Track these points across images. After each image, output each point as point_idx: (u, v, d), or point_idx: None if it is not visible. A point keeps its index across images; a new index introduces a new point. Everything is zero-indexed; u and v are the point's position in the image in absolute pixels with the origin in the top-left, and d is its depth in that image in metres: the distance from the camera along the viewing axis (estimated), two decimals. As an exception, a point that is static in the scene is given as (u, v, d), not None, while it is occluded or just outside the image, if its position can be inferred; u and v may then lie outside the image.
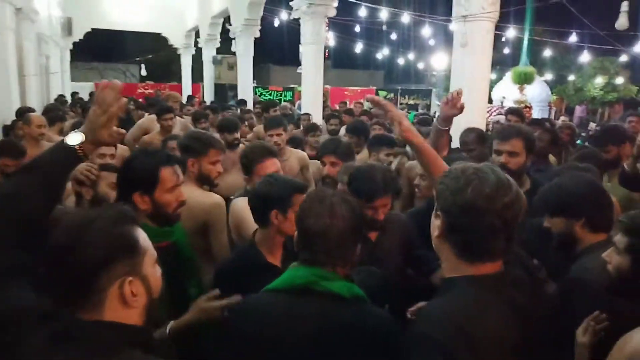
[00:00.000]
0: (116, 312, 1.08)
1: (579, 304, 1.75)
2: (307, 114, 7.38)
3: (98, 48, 22.74)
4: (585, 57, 16.71)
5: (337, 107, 11.10)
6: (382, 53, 20.27)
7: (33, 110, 5.96)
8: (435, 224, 1.37)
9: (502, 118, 6.29)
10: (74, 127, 4.08)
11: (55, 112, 6.56)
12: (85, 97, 11.74)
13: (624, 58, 17.89)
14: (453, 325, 1.24)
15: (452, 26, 5.61)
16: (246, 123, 6.86)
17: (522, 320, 1.32)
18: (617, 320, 1.60)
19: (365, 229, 2.29)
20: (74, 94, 11.49)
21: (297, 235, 1.58)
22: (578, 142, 6.97)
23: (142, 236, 1.16)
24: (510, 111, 5.57)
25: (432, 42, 18.18)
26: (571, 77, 19.94)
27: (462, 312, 1.27)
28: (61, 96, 11.76)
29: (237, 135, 4.40)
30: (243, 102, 10.42)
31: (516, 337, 1.30)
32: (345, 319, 1.48)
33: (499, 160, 2.78)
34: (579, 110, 16.98)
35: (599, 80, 18.63)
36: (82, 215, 1.14)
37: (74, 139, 1.48)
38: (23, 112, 5.81)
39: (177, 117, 5.85)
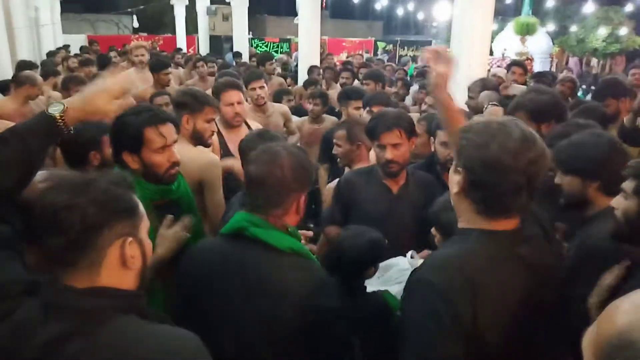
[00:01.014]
0: (113, 273, 1.09)
1: (592, 272, 1.67)
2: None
3: (89, -2, 22.13)
4: (589, 7, 16.30)
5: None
6: (381, 3, 19.75)
7: (36, 66, 5.87)
8: (455, 179, 1.34)
9: (499, 71, 6.11)
10: (65, 82, 4.02)
11: (49, 66, 6.47)
12: (75, 50, 11.41)
13: (629, 8, 17.46)
14: (459, 274, 1.23)
15: (454, -26, 5.43)
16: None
17: (533, 279, 1.31)
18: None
19: (384, 175, 2.39)
20: (65, 47, 11.18)
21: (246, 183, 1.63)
22: (579, 94, 6.88)
23: (139, 202, 1.17)
24: (514, 63, 5.45)
25: (432, -9, 17.69)
26: (573, 28, 19.51)
27: (471, 262, 1.26)
28: (66, 46, 11.45)
29: None
30: (238, 55, 10.21)
31: (525, 294, 1.30)
32: (264, 268, 1.50)
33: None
34: (572, 63, 16.72)
35: (602, 31, 18.22)
36: (81, 176, 1.12)
37: (55, 109, 1.45)
38: (23, 67, 5.75)
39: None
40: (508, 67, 5.38)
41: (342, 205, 2.50)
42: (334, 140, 2.89)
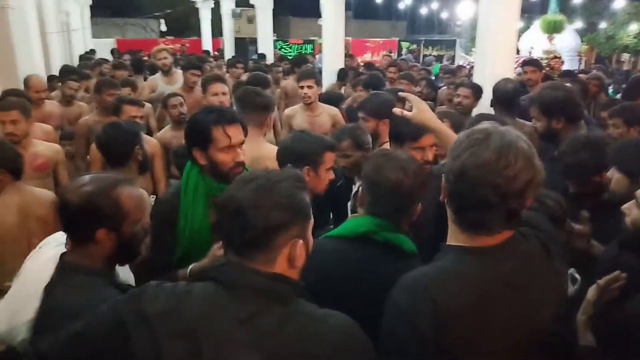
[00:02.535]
0: (282, 269, 1.16)
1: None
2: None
3: (117, 3, 22.56)
4: (618, 2, 15.94)
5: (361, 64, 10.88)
6: (404, 2, 19.67)
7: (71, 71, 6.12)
8: (442, 185, 1.28)
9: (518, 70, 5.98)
10: (99, 86, 4.17)
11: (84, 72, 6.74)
12: (105, 55, 11.68)
13: (661, 2, 17.03)
14: (425, 295, 1.16)
15: (479, -28, 5.40)
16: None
17: (521, 301, 1.21)
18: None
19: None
20: (91, 52, 11.44)
21: (363, 188, 1.69)
22: (610, 92, 6.76)
23: (309, 203, 1.23)
24: (526, 62, 5.31)
25: (457, -11, 17.56)
26: (602, 25, 19.10)
27: (441, 284, 1.18)
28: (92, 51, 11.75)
29: (268, 92, 4.44)
30: (263, 56, 10.32)
31: (510, 317, 1.19)
32: (400, 271, 1.47)
33: None
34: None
35: (633, 27, 17.79)
36: (265, 175, 1.19)
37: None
38: (64, 73, 6.03)
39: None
40: (521, 67, 5.30)
41: None
42: (340, 153, 2.58)
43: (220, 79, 3.97)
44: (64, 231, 1.53)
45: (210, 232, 1.93)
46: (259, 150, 2.59)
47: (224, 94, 3.80)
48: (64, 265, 1.48)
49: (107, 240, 1.45)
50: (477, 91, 4.34)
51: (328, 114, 4.29)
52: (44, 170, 3.24)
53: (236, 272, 1.14)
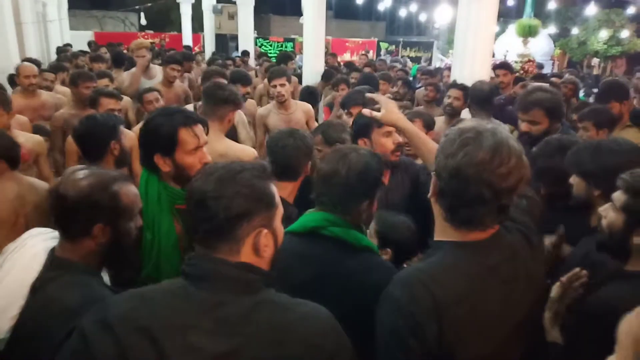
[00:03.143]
0: (248, 259, 1.16)
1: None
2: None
3: (95, -5, 22.17)
4: (591, 9, 16.36)
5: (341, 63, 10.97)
6: (384, 4, 19.82)
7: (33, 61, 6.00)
8: (432, 183, 1.31)
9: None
10: (74, 78, 4.14)
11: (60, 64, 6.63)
12: (82, 47, 11.50)
13: (631, 10, 17.54)
14: (423, 290, 1.18)
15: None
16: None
17: (509, 293, 1.26)
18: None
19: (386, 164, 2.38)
20: (67, 46, 11.22)
21: (315, 181, 1.65)
22: (581, 96, 6.97)
23: (276, 191, 1.22)
24: (498, 66, 5.40)
25: (435, -8, 17.78)
26: (575, 31, 19.59)
27: (437, 278, 1.21)
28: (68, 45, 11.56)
29: (248, 89, 4.47)
30: (246, 54, 10.31)
31: (501, 309, 1.25)
32: (350, 267, 1.51)
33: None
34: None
35: (603, 34, 18.30)
36: (226, 166, 1.18)
37: None
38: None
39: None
40: (493, 70, 5.35)
41: None
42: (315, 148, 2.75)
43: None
44: (57, 224, 1.48)
45: (179, 244, 1.82)
46: (219, 147, 2.52)
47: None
48: (56, 261, 1.45)
49: (101, 236, 1.44)
50: (467, 93, 4.21)
51: (302, 110, 4.30)
52: (25, 161, 3.17)
53: (203, 263, 1.14)
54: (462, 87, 4.23)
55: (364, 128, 2.35)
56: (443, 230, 1.31)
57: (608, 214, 1.58)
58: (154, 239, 1.79)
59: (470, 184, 1.18)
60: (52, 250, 1.49)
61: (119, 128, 2.54)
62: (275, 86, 4.12)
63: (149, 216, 1.78)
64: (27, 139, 3.28)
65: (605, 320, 1.04)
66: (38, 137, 3.46)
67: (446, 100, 4.24)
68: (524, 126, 2.77)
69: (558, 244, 1.96)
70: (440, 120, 4.08)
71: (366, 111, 1.95)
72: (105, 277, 1.60)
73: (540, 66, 10.08)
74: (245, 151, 2.69)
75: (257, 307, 1.10)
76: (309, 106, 4.47)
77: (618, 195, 1.55)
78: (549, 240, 1.93)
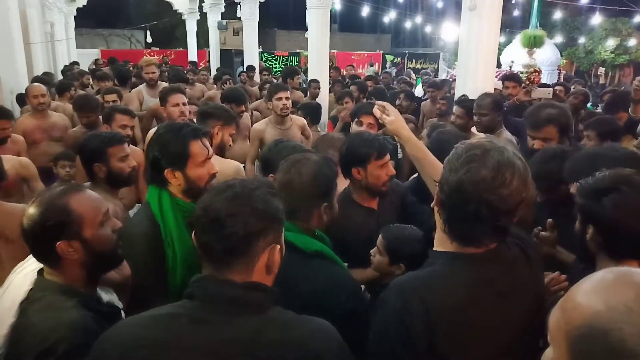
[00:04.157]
0: (260, 276, 1.17)
1: None
2: (316, 81, 7.34)
3: (102, 14, 22.44)
4: (596, 18, 16.33)
5: (344, 73, 11.01)
6: (389, 16, 19.89)
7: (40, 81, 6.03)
8: (436, 192, 1.32)
9: (498, 83, 6.07)
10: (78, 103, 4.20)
11: (66, 82, 6.71)
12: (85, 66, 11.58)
13: (637, 19, 17.48)
14: (416, 297, 1.20)
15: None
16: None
17: (506, 305, 1.25)
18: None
19: (371, 195, 2.37)
20: (74, 64, 11.30)
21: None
22: (589, 106, 6.92)
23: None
24: (506, 77, 5.41)
25: (439, 4, 17.82)
26: (581, 40, 19.54)
27: (432, 286, 1.23)
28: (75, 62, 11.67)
29: (243, 107, 4.45)
30: (252, 69, 10.36)
31: (497, 321, 1.24)
32: (298, 270, 1.52)
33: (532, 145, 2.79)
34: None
35: (610, 43, 18.25)
36: (239, 184, 1.19)
37: None
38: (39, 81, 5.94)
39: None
40: (502, 82, 5.38)
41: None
42: None
43: (179, 90, 4.04)
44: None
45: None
46: None
47: (184, 104, 3.86)
48: (38, 282, 1.45)
49: (72, 252, 1.42)
50: (470, 110, 4.09)
51: (297, 125, 4.39)
52: (10, 189, 2.96)
53: (210, 285, 1.14)
54: (464, 105, 4.17)
55: (362, 157, 2.29)
56: (442, 241, 1.31)
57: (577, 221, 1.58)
58: (175, 255, 1.78)
59: (469, 201, 1.18)
60: (41, 270, 1.49)
61: (105, 150, 2.38)
62: (280, 99, 4.16)
63: (168, 233, 1.78)
64: (12, 165, 2.99)
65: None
66: (26, 161, 3.27)
67: (452, 117, 4.31)
68: (536, 144, 2.75)
69: (549, 239, 2.01)
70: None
71: (377, 111, 1.98)
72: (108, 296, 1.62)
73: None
74: (229, 164, 2.70)
75: (264, 327, 1.11)
76: (304, 121, 4.58)
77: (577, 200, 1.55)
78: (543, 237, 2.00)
